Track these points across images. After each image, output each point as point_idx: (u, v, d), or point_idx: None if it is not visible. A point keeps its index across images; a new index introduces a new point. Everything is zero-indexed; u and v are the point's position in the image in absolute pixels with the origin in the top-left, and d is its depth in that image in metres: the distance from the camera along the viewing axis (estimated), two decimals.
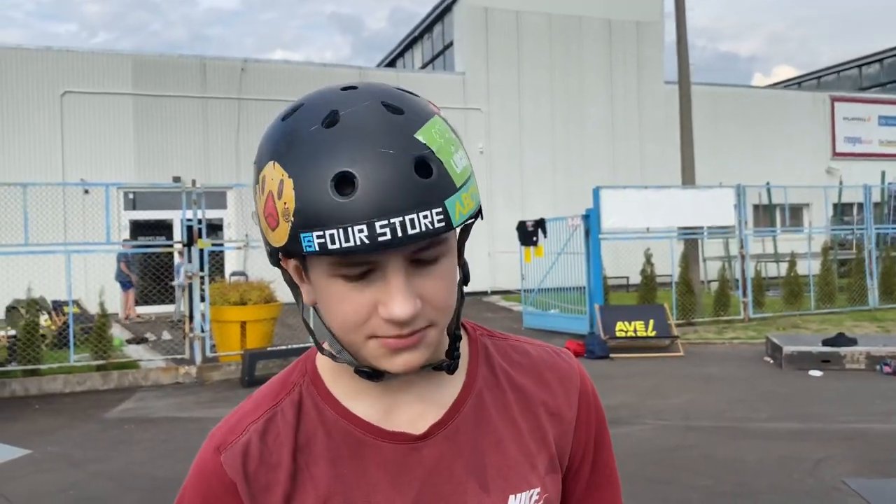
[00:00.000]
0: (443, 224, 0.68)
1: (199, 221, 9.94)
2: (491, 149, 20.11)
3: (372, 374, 0.78)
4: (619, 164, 21.20)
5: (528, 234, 13.21)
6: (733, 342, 11.26)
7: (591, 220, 12.05)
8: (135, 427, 7.03)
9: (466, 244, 0.82)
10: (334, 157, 0.68)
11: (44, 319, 11.07)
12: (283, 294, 11.29)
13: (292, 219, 0.69)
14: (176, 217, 13.69)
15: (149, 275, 15.15)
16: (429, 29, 23.60)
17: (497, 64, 20.42)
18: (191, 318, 9.86)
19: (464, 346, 0.89)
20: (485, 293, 18.69)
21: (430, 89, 19.75)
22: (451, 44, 21.69)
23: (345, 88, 0.73)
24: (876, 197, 17.52)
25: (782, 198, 16.40)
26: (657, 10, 22.48)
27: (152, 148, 17.50)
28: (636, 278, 13.86)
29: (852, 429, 6.14)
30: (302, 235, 0.68)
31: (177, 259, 13.54)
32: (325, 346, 0.84)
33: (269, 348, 9.68)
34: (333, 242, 0.67)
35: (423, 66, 23.75)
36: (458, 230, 0.80)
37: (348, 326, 0.74)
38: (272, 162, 0.72)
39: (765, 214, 19.66)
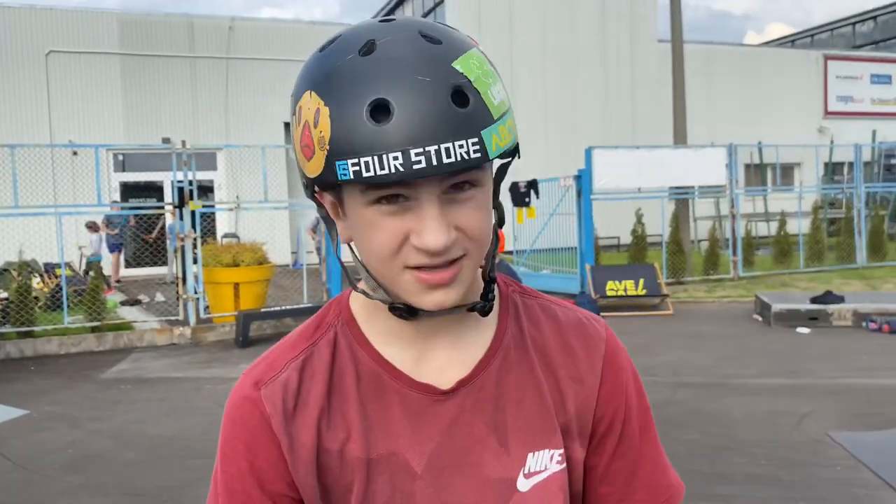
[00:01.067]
0: (479, 155, 0.67)
1: (190, 183, 9.90)
2: None
3: (406, 312, 0.78)
4: (611, 124, 21.11)
5: (521, 194, 13.20)
6: (723, 300, 11.38)
7: (582, 181, 12.06)
8: (131, 387, 7.11)
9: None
10: (370, 85, 0.67)
11: (36, 282, 11.07)
12: (276, 255, 11.33)
13: (328, 147, 0.69)
14: (166, 179, 13.62)
15: (142, 237, 15.10)
16: None
17: (489, 22, 20.16)
18: (184, 279, 9.88)
19: (495, 300, 0.88)
20: None
21: None
22: (441, 1, 21.37)
23: (383, 20, 0.73)
24: (867, 156, 17.57)
25: (774, 157, 16.42)
26: None
27: (141, 109, 17.31)
28: (627, 238, 13.93)
29: (838, 384, 6.27)
30: (337, 164, 0.68)
31: (168, 220, 13.50)
32: (360, 284, 0.84)
33: (262, 309, 9.73)
34: (368, 170, 0.66)
35: None
36: (494, 167, 0.79)
37: (384, 255, 0.73)
38: (308, 92, 0.71)
39: (756, 174, 19.70)
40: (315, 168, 0.71)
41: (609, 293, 10.75)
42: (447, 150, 0.66)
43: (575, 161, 14.02)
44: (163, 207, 11.98)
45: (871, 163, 19.10)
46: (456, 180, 0.71)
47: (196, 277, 9.86)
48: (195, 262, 9.86)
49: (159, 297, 12.33)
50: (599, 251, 12.89)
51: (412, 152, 0.66)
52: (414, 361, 0.84)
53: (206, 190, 16.72)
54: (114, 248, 14.85)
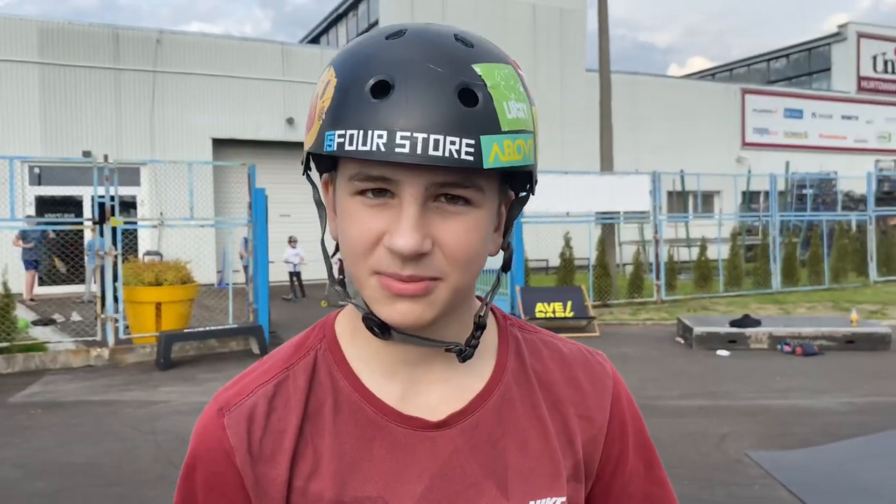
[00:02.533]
0: (470, 158, 0.62)
1: (112, 198, 9.55)
2: None
3: (378, 327, 0.71)
4: (542, 149, 21.29)
5: None
6: (646, 323, 11.69)
7: None
8: (42, 412, 6.74)
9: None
10: (381, 64, 0.64)
11: None
12: (201, 274, 11.02)
13: (323, 117, 0.66)
14: (86, 193, 13.10)
15: (58, 253, 14.44)
16: (354, 6, 23.27)
17: None
18: (103, 298, 9.49)
19: (492, 334, 0.82)
20: None
21: None
22: (376, 22, 21.47)
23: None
24: (781, 186, 18.45)
25: (695, 185, 17.05)
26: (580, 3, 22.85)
27: (60, 121, 16.64)
28: (556, 261, 14.17)
29: (755, 405, 6.50)
30: (326, 134, 0.65)
31: (88, 237, 12.96)
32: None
33: (185, 330, 9.43)
34: (351, 144, 0.63)
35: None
36: (506, 201, 0.74)
37: (356, 252, 0.68)
38: (329, 68, 0.69)
39: (678, 201, 20.41)
40: (309, 139, 0.69)
41: (538, 315, 10.88)
42: (436, 142, 0.61)
43: None
44: (82, 223, 11.50)
45: (784, 192, 20.08)
46: (445, 189, 0.66)
47: (116, 296, 9.48)
48: (115, 280, 9.48)
49: (76, 317, 11.80)
50: (529, 273, 13.07)
51: (398, 134, 0.62)
52: (401, 393, 0.76)
53: (128, 206, 16.17)
54: (29, 265, 14.14)
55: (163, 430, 6.02)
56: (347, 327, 0.79)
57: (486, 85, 0.64)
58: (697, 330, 9.40)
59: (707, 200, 23.30)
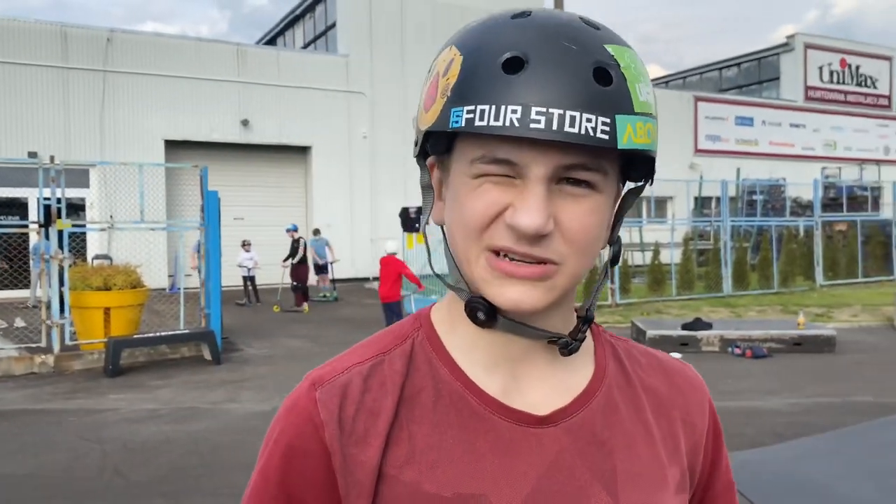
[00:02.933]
0: (606, 137, 0.60)
1: (59, 201, 9.27)
2: (374, 134, 19.98)
3: (483, 313, 0.68)
4: None
5: (411, 220, 13.24)
6: (601, 326, 11.79)
7: None
8: None
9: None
10: (513, 40, 0.62)
11: None
12: (152, 279, 10.77)
13: (448, 94, 0.64)
14: (32, 195, 12.71)
15: (2, 256, 13.96)
16: (311, 8, 23.09)
17: (380, 49, 20.27)
18: (49, 303, 9.20)
19: (587, 336, 0.78)
20: (367, 279, 18.61)
21: (312, 70, 19.37)
22: (333, 25, 21.33)
23: None
24: (732, 192, 18.87)
25: (649, 190, 17.32)
26: (538, 5, 23.05)
27: (5, 120, 16.12)
28: None
29: None
30: (452, 111, 0.63)
31: (33, 240, 12.56)
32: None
33: (135, 335, 9.20)
34: (482, 119, 0.60)
35: (305, 46, 23.23)
36: (620, 192, 0.72)
37: (472, 227, 0.65)
38: (450, 47, 0.67)
39: (633, 205, 20.70)
40: (429, 118, 0.66)
41: None
42: (572, 118, 0.59)
43: None
44: (27, 226, 11.14)
45: (736, 198, 20.54)
46: (571, 171, 0.63)
47: (62, 301, 9.20)
48: (62, 284, 9.20)
49: (19, 323, 11.41)
50: None
51: (534, 110, 0.59)
52: (502, 387, 0.72)
53: (77, 208, 15.74)
54: None
55: (110, 438, 5.85)
56: (446, 317, 0.76)
57: (619, 65, 0.63)
58: (650, 333, 9.53)
59: (661, 206, 23.69)
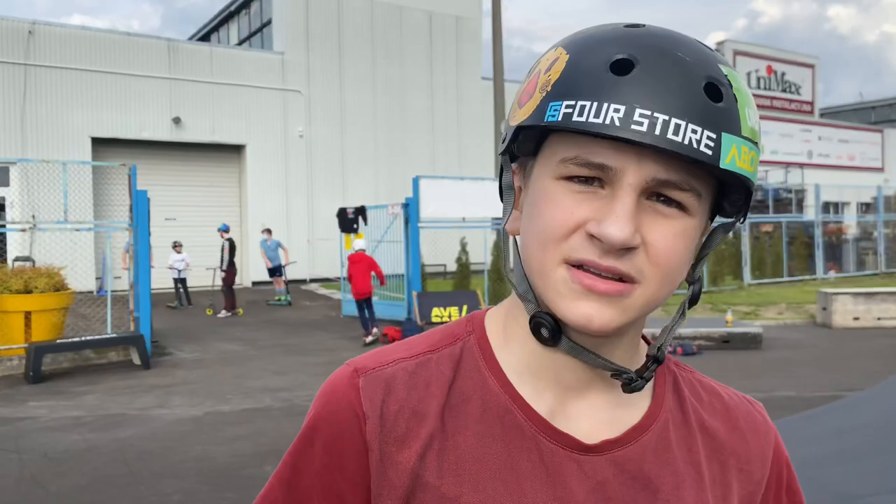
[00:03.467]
0: (710, 152, 0.57)
1: None
2: (311, 133, 19.73)
3: (548, 330, 0.64)
4: (438, 155, 21.66)
5: (349, 221, 13.12)
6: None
7: (410, 209, 12.21)
8: None
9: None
10: (623, 44, 0.60)
11: None
12: (77, 281, 10.35)
13: (548, 89, 0.60)
14: None
15: None
16: (246, 5, 22.65)
17: (317, 47, 20.04)
18: None
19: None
20: (304, 281, 18.35)
21: (246, 67, 19.00)
22: (269, 22, 20.97)
23: None
24: None
25: None
26: (476, 7, 23.19)
27: None
28: (453, 266, 14.27)
29: None
30: (550, 104, 0.59)
31: None
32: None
33: (58, 340, 8.82)
34: (581, 115, 0.57)
35: (240, 43, 22.76)
36: (709, 226, 0.68)
37: (549, 236, 0.61)
38: (557, 48, 0.64)
39: None
40: (523, 113, 0.63)
41: (434, 319, 10.90)
42: (677, 126, 0.56)
43: (404, 189, 14.19)
44: None
45: None
46: (664, 188, 0.60)
47: None
48: None
49: None
50: (426, 278, 13.07)
51: (637, 111, 0.56)
52: (550, 409, 0.68)
53: None
54: None
55: (28, 448, 5.57)
56: (500, 329, 0.72)
57: (731, 85, 0.60)
58: None
59: None
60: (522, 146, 0.66)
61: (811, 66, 32.10)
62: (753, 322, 11.41)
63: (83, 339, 8.93)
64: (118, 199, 14.38)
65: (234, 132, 18.70)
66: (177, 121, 17.89)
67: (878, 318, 11.50)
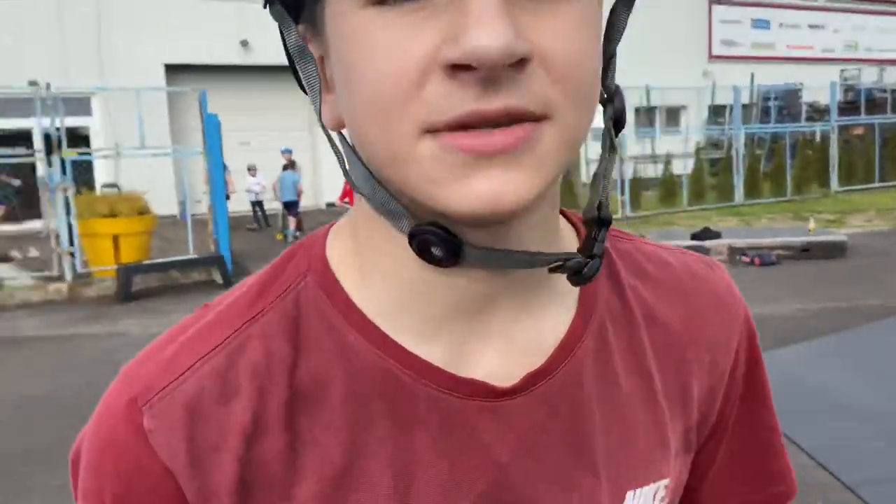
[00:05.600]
0: None
1: (58, 129, 9.21)
2: None
3: (444, 252, 0.43)
4: None
5: None
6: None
7: None
8: (1, 347, 6.67)
9: None
10: None
11: None
12: (159, 205, 10.81)
13: None
14: (36, 126, 12.66)
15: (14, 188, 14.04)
16: None
17: None
18: (58, 233, 9.30)
19: (570, 245, 0.52)
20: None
21: None
22: None
23: None
24: (745, 99, 18.40)
25: (660, 99, 16.95)
26: None
27: (2, 51, 15.89)
28: None
29: None
30: None
31: (40, 171, 12.58)
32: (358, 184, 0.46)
33: (145, 262, 9.31)
34: None
35: None
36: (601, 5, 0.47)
37: (385, 100, 0.38)
38: None
39: (646, 116, 20.30)
40: None
41: None
42: None
43: None
44: (32, 156, 11.14)
45: (750, 105, 20.05)
46: None
47: (70, 230, 9.28)
48: (68, 213, 9.26)
49: (33, 253, 11.58)
50: None
51: None
52: (447, 352, 0.48)
53: (84, 137, 15.67)
54: None
55: (124, 362, 5.96)
56: (352, 259, 0.49)
57: None
58: None
59: (673, 115, 23.21)
60: None
61: None
62: (838, 230, 10.92)
63: (167, 260, 9.39)
64: (194, 125, 14.77)
65: None
66: (245, 44, 17.98)
67: None
